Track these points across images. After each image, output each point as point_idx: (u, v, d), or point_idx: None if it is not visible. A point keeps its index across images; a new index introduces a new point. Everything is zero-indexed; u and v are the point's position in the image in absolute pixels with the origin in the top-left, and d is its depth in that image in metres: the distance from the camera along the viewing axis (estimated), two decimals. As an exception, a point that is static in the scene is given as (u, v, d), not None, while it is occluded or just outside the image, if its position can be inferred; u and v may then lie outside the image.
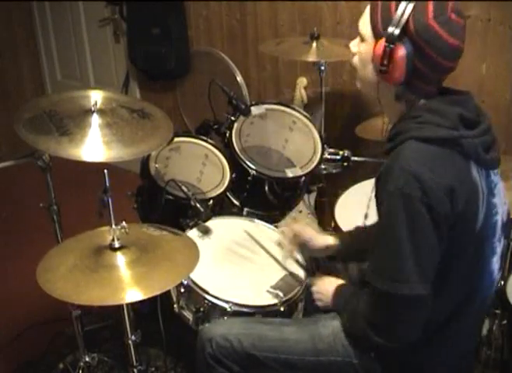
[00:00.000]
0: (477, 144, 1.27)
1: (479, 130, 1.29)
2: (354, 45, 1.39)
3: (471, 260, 1.32)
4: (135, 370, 1.82)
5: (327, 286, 1.61)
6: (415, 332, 1.33)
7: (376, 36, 1.29)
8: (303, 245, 1.82)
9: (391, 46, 1.24)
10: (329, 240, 1.78)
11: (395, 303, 1.29)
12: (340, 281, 1.62)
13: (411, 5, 1.23)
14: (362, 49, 1.35)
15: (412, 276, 1.25)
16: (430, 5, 1.24)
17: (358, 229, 1.78)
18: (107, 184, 1.60)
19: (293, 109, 2.49)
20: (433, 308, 1.31)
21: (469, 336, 1.47)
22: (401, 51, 1.24)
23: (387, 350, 1.40)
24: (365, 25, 1.32)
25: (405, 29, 1.24)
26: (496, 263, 1.39)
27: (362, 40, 1.35)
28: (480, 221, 1.29)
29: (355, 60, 1.39)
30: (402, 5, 1.24)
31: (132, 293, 1.45)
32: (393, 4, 1.26)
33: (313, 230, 1.85)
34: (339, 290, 1.57)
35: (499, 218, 1.36)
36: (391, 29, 1.24)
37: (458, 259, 1.30)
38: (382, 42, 1.26)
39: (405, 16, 1.23)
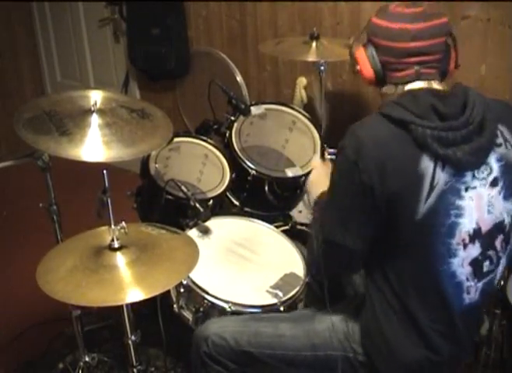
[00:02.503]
0: (432, 136, 1.27)
1: (444, 125, 1.29)
2: None
3: (419, 248, 1.35)
4: (135, 370, 1.82)
5: (320, 182, 1.67)
6: (333, 272, 1.51)
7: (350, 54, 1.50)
8: None
9: (353, 50, 1.45)
10: None
11: (320, 244, 1.42)
12: None
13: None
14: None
15: (333, 224, 1.38)
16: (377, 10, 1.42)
17: None
18: (107, 184, 1.60)
19: (293, 109, 2.49)
20: (393, 285, 1.39)
21: (450, 339, 1.43)
22: (361, 51, 1.43)
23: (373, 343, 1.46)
24: None
25: (368, 36, 1.42)
26: (459, 266, 1.36)
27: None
28: (421, 212, 1.30)
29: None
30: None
31: (133, 293, 1.45)
32: None
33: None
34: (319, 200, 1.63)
35: (466, 223, 1.33)
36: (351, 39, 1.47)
37: (403, 239, 1.34)
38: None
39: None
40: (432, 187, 1.29)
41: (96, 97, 1.79)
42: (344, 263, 1.45)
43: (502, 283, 1.89)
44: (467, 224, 1.34)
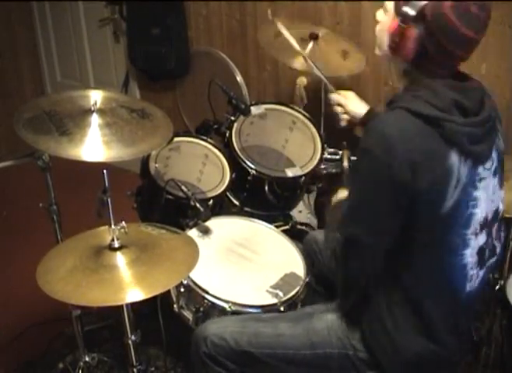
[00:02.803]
0: (462, 132, 1.28)
1: (470, 121, 1.30)
2: (380, 13, 1.43)
3: (435, 242, 1.34)
4: (135, 370, 1.82)
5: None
6: (362, 277, 1.42)
7: (397, 11, 1.32)
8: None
9: (403, 25, 1.29)
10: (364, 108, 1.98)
11: (342, 244, 1.40)
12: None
13: None
14: (384, 20, 1.39)
15: (359, 223, 1.35)
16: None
17: None
18: (106, 184, 1.60)
19: (293, 108, 2.49)
20: (404, 283, 1.38)
21: (449, 331, 1.45)
22: (413, 32, 1.28)
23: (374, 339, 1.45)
24: None
25: (422, 13, 1.27)
26: (470, 257, 1.38)
27: (385, 11, 1.38)
28: (447, 206, 1.30)
29: (377, 28, 1.43)
30: None
31: (133, 293, 1.45)
32: None
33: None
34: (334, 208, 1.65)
35: (479, 213, 1.36)
36: (406, 9, 1.28)
37: (421, 236, 1.33)
38: (397, 19, 1.30)
39: (424, 0, 1.26)
40: (457, 182, 1.30)
41: (96, 97, 1.79)
42: (368, 262, 1.42)
43: (502, 283, 1.89)
44: (479, 214, 1.36)
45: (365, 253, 1.38)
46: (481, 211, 1.37)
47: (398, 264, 1.39)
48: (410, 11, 1.27)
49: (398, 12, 1.30)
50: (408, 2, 1.28)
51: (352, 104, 2.02)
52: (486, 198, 1.37)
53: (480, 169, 1.34)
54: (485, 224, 1.39)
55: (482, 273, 1.44)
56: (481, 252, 1.41)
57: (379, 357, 1.47)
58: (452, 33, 1.27)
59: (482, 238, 1.40)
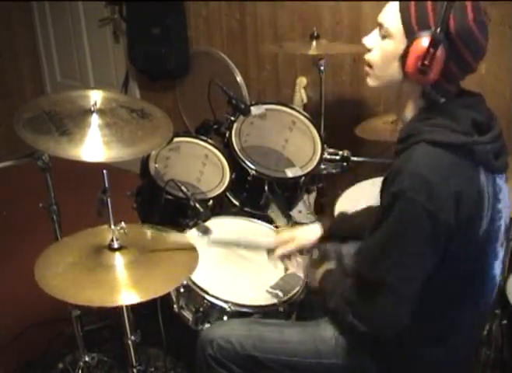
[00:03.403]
0: (488, 150, 1.25)
1: (491, 136, 1.27)
2: (371, 40, 1.33)
3: (473, 264, 1.31)
4: (135, 370, 1.81)
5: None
6: (393, 322, 1.30)
7: (409, 34, 1.24)
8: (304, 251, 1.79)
9: (431, 46, 1.20)
10: (317, 229, 1.75)
11: (373, 289, 1.29)
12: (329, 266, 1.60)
13: (449, 5, 1.18)
14: (388, 46, 1.29)
15: (392, 270, 1.25)
16: (469, 6, 1.21)
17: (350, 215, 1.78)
18: (106, 184, 1.60)
19: (293, 109, 2.49)
20: (432, 309, 1.31)
21: (469, 341, 1.46)
22: (442, 52, 1.21)
23: (385, 352, 1.41)
24: (393, 21, 1.26)
25: (447, 30, 1.20)
26: (497, 267, 1.38)
27: (386, 36, 1.28)
28: (484, 226, 1.27)
29: (374, 56, 1.33)
30: (442, 4, 1.19)
31: (128, 295, 1.43)
32: (429, 3, 1.21)
33: (290, 233, 1.79)
34: (326, 275, 1.54)
35: (503, 223, 1.34)
36: (430, 29, 1.20)
37: (458, 262, 1.28)
38: (423, 41, 1.21)
39: (447, 15, 1.19)
40: (489, 199, 1.27)
41: (96, 97, 1.79)
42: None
43: (502, 283, 1.89)
44: (503, 225, 1.35)
45: (394, 296, 1.27)
46: (504, 222, 1.34)
47: (427, 294, 1.30)
48: (439, 31, 1.19)
49: (414, 34, 1.23)
50: (427, 21, 1.21)
51: (301, 237, 1.76)
52: (505, 207, 1.34)
53: (498, 180, 1.32)
54: (506, 232, 1.38)
55: (500, 279, 1.43)
56: (503, 260, 1.42)
57: (388, 368, 1.45)
58: (476, 47, 1.23)
59: (504, 247, 1.39)
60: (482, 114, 1.29)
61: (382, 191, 1.31)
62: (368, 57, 1.34)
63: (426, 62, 1.21)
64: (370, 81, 1.37)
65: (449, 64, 1.23)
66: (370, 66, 1.34)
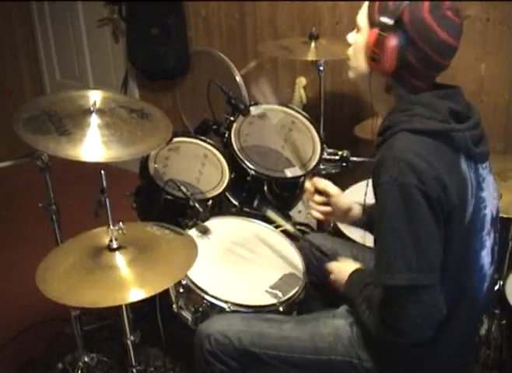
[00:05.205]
0: (467, 137, 1.28)
1: (469, 124, 1.30)
2: (351, 36, 1.43)
3: (460, 254, 1.32)
4: (134, 370, 1.82)
5: (343, 273, 1.58)
6: (425, 325, 1.27)
7: (371, 25, 1.32)
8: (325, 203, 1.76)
9: (384, 35, 1.27)
10: (354, 204, 1.74)
11: (395, 295, 1.26)
12: (356, 266, 1.59)
13: None
14: (358, 39, 1.38)
15: (412, 265, 1.23)
16: (427, 0, 1.26)
17: None
18: (104, 184, 1.60)
19: (292, 109, 2.49)
20: None
21: (464, 339, 1.45)
22: (393, 41, 1.26)
23: (383, 350, 1.41)
24: (362, 15, 1.36)
25: (400, 21, 1.26)
26: (485, 256, 1.38)
27: (358, 30, 1.38)
28: (469, 214, 1.29)
29: (350, 50, 1.43)
30: None
31: (130, 293, 1.44)
32: None
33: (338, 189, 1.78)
34: (351, 277, 1.53)
35: (489, 212, 1.36)
36: (384, 19, 1.27)
37: (446, 252, 1.28)
38: (375, 30, 1.29)
39: (401, 7, 1.25)
40: (472, 187, 1.29)
41: (95, 97, 1.79)
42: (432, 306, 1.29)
43: (501, 283, 1.89)
44: (488, 214, 1.36)
45: (422, 294, 1.24)
46: (489, 210, 1.36)
47: None
48: (389, 20, 1.27)
49: (375, 25, 1.29)
50: (385, 11, 1.27)
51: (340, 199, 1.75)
52: (490, 197, 1.37)
53: (480, 170, 1.34)
54: (493, 223, 1.39)
55: (491, 271, 1.42)
56: (492, 250, 1.40)
57: (385, 366, 1.45)
58: (432, 39, 1.26)
59: (492, 237, 1.39)
60: (459, 104, 1.32)
61: (373, 187, 1.34)
62: (347, 51, 1.45)
63: (377, 50, 1.29)
64: (349, 74, 1.47)
65: (406, 56, 1.27)
66: (349, 59, 1.45)
